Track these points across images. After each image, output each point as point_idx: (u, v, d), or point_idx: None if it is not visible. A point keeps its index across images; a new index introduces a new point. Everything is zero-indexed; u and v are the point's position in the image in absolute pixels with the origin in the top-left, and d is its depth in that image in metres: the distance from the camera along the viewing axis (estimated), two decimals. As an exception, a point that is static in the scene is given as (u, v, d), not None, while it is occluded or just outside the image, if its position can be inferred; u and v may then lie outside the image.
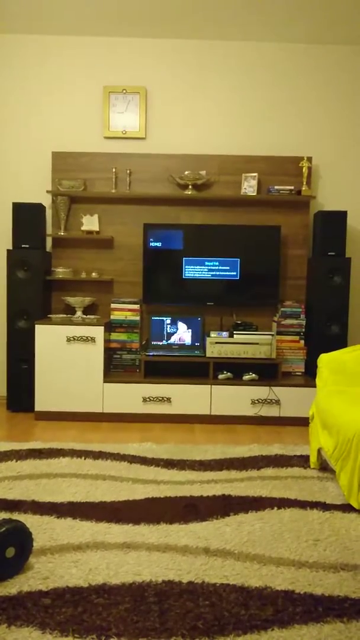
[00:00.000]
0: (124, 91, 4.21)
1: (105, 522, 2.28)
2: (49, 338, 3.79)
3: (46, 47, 4.20)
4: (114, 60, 4.21)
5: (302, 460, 3.05)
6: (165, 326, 4.13)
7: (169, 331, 4.13)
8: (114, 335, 4.11)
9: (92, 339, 3.80)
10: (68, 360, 3.80)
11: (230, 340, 3.92)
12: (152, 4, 3.72)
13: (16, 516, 2.32)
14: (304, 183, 4.09)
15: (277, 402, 3.83)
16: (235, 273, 4.09)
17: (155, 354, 3.93)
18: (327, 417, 2.72)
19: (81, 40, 4.20)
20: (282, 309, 4.11)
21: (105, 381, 3.83)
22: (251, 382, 3.86)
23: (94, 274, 4.16)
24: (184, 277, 4.09)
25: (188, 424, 3.84)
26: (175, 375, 3.97)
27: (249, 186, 4.12)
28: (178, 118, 4.25)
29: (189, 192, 4.11)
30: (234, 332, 3.96)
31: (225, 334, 3.95)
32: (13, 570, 1.88)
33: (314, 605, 1.75)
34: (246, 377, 3.89)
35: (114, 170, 4.13)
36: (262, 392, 3.83)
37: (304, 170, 4.07)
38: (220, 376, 3.91)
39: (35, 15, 3.90)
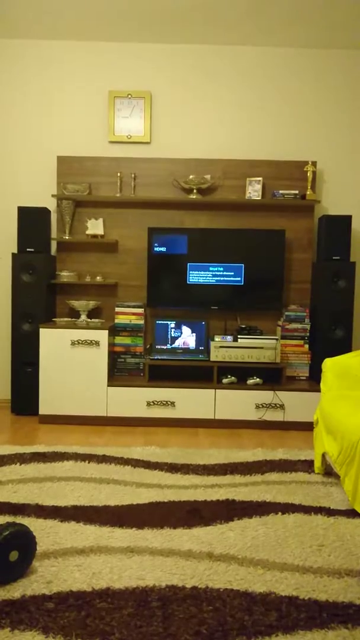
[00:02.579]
0: (129, 96, 4.22)
1: (109, 526, 2.28)
2: (53, 341, 3.80)
3: (52, 51, 4.22)
4: (119, 65, 4.23)
5: (307, 465, 3.04)
6: (169, 330, 4.13)
7: (173, 335, 4.13)
8: (118, 339, 4.11)
9: (97, 343, 3.80)
10: (72, 364, 3.81)
11: (235, 344, 3.91)
12: (157, 9, 3.73)
13: (20, 520, 2.32)
14: (309, 187, 4.09)
15: (282, 406, 3.82)
16: (239, 278, 4.08)
17: (159, 357, 3.93)
18: (332, 421, 2.71)
19: (86, 45, 4.22)
20: (287, 313, 4.10)
21: (109, 385, 3.83)
22: (255, 387, 3.85)
23: (98, 277, 4.17)
24: (188, 282, 4.09)
25: (192, 428, 3.83)
26: (179, 379, 3.97)
27: (253, 190, 4.12)
28: (183, 122, 4.26)
29: (194, 197, 4.11)
30: (238, 336, 3.96)
31: (229, 338, 3.95)
32: (16, 574, 1.87)
33: (318, 611, 1.74)
34: (250, 382, 3.89)
35: (118, 174, 4.14)
36: (266, 396, 3.82)
37: (308, 174, 4.07)
38: (225, 380, 3.90)
39: (41, 20, 3.92)
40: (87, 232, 4.15)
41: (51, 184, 4.25)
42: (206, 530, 2.27)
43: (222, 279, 4.09)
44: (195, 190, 4.11)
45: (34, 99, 4.25)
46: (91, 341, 3.80)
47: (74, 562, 2.00)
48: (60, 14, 3.83)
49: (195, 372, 4.02)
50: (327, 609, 1.75)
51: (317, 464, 2.92)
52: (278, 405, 3.82)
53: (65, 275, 4.13)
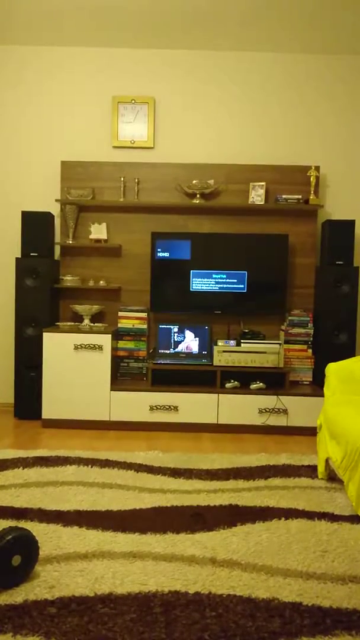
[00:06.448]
0: (133, 101, 4.24)
1: (112, 531, 2.27)
2: (56, 346, 3.80)
3: (56, 58, 4.24)
4: (123, 70, 4.25)
5: (310, 470, 3.03)
6: (172, 334, 4.13)
7: (176, 339, 4.13)
8: (122, 344, 4.11)
9: (100, 347, 3.80)
10: (75, 368, 3.81)
11: (238, 349, 3.91)
12: (161, 15, 3.75)
13: (22, 524, 2.32)
14: (312, 192, 4.09)
15: (285, 411, 3.81)
16: (242, 286, 4.08)
17: (162, 362, 3.93)
18: (335, 426, 2.70)
19: (91, 51, 4.24)
20: (290, 318, 4.10)
21: (112, 389, 3.83)
22: (259, 391, 3.84)
23: (101, 282, 4.18)
24: (191, 289, 4.09)
25: (195, 432, 3.82)
26: (183, 383, 3.96)
27: (256, 195, 4.12)
28: (186, 128, 4.27)
29: (197, 201, 4.12)
30: (242, 340, 3.95)
31: (232, 342, 3.94)
32: (19, 579, 1.87)
33: (322, 617, 1.73)
34: (253, 386, 3.88)
35: (122, 179, 4.16)
36: (269, 401, 3.81)
37: (311, 179, 4.08)
38: (228, 385, 3.90)
39: (45, 27, 3.94)
40: (91, 236, 4.16)
41: (55, 188, 4.26)
42: (209, 535, 2.26)
43: (225, 286, 4.09)
44: (198, 195, 4.12)
45: (39, 105, 4.27)
46: (94, 345, 3.80)
47: (76, 567, 1.99)
48: (64, 21, 3.85)
49: (199, 377, 4.01)
50: (331, 615, 1.74)
51: (321, 469, 2.91)
52: (281, 410, 3.81)
53: (69, 280, 4.14)
